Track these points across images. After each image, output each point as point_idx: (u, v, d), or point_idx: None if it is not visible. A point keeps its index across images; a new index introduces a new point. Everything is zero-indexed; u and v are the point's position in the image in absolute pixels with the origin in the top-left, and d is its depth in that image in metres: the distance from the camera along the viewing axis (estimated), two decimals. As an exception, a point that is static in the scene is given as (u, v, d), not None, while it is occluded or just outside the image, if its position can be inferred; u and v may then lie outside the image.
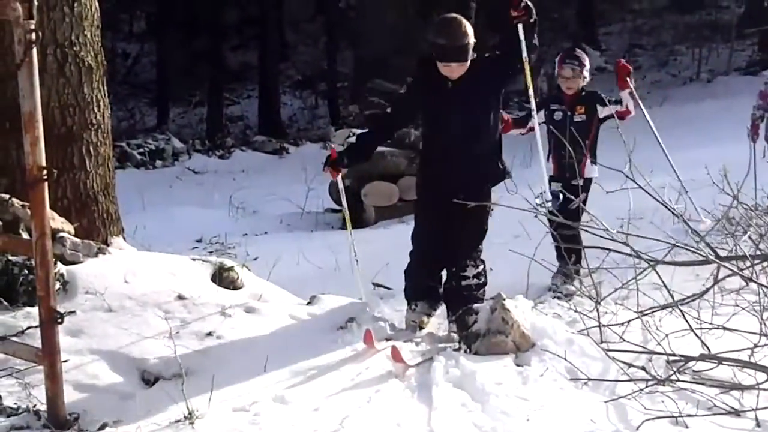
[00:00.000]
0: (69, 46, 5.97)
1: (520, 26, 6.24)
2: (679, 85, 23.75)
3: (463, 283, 6.29)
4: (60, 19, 5.91)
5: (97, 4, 6.18)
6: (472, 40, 6.08)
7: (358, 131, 12.03)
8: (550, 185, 8.22)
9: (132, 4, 26.95)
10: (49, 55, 5.83)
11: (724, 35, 25.60)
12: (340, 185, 6.80)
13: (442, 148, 6.37)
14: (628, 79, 7.97)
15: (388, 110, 6.79)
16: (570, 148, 7.70)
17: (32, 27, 4.10)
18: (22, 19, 4.08)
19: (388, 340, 5.76)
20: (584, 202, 7.67)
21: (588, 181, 7.98)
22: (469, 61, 6.10)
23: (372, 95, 18.87)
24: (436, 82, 6.21)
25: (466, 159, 6.23)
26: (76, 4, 5.97)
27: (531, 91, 6.43)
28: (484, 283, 6.39)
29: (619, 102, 8.06)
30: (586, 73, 8.19)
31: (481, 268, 6.37)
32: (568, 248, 7.90)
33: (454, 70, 6.11)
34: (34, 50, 4.13)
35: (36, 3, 4.16)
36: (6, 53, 5.62)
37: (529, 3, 6.17)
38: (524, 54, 6.31)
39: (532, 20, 6.20)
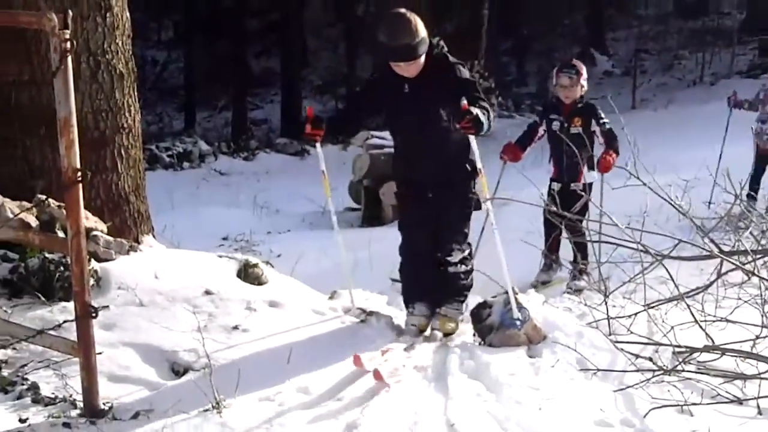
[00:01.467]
0: (101, 54, 5.99)
1: (471, 137, 5.65)
2: (683, 88, 23.76)
3: (450, 269, 5.91)
4: (93, 28, 5.94)
5: (127, 14, 6.21)
6: (419, 37, 5.50)
7: (376, 132, 12.13)
8: (550, 185, 8.39)
9: (160, 13, 27.06)
10: (82, 63, 5.85)
11: (726, 40, 25.64)
12: (319, 149, 6.12)
13: (403, 147, 6.05)
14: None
15: (346, 102, 6.50)
16: (566, 157, 8.09)
17: (67, 36, 4.12)
18: (57, 29, 4.10)
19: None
20: (586, 204, 7.75)
21: (588, 186, 8.08)
22: (418, 59, 5.58)
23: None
24: (393, 83, 5.75)
25: (428, 158, 5.81)
26: (108, 15, 6.00)
27: (488, 201, 5.98)
28: (471, 270, 6.06)
29: (610, 142, 8.12)
30: (583, 82, 8.26)
31: (467, 252, 6.01)
32: (576, 245, 7.99)
33: (403, 69, 5.65)
34: (69, 58, 4.14)
35: (71, 14, 4.18)
36: (42, 61, 5.67)
37: (480, 116, 5.44)
38: (478, 164, 5.76)
39: (482, 133, 5.56)
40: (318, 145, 6.03)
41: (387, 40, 5.53)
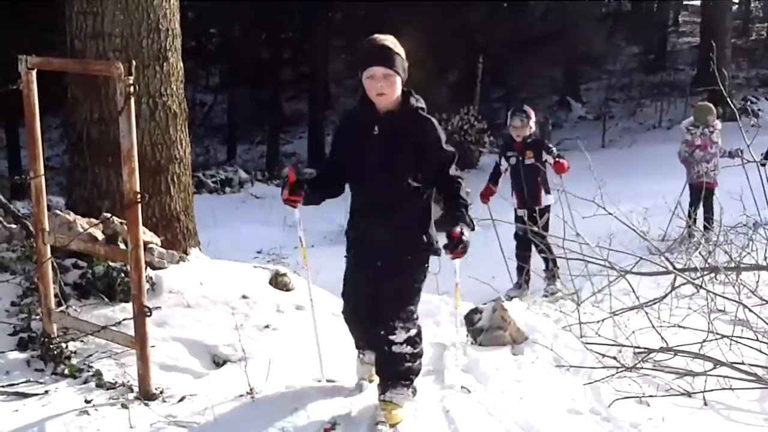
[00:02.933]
0: (159, 97, 6.02)
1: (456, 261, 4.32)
2: (644, 131, 23.78)
3: (394, 349, 4.30)
4: (152, 75, 5.97)
5: (181, 63, 6.23)
6: (401, 53, 4.22)
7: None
8: (516, 212, 8.58)
9: (208, 62, 27.15)
10: (143, 104, 5.88)
11: (681, 91, 25.61)
12: (297, 215, 4.67)
13: (362, 200, 4.43)
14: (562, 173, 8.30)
15: (324, 164, 4.87)
16: (525, 185, 8.44)
17: (130, 82, 4.14)
18: (123, 75, 4.13)
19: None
20: (548, 222, 7.95)
21: (547, 207, 8.29)
22: (394, 76, 4.17)
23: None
24: (363, 124, 4.31)
25: (383, 218, 4.30)
26: (164, 64, 6.03)
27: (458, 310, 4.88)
28: (420, 353, 4.44)
29: (560, 156, 8.38)
30: (532, 124, 8.58)
31: (413, 332, 4.34)
32: (546, 254, 8.16)
33: (377, 80, 4.17)
34: (132, 100, 4.17)
35: (134, 63, 4.21)
36: (110, 102, 5.70)
37: (467, 240, 4.13)
38: (456, 277, 4.51)
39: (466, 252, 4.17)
40: (297, 211, 4.58)
41: (368, 44, 4.24)
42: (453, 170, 4.31)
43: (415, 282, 4.38)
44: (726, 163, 10.45)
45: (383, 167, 4.23)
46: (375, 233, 4.35)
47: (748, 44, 32.95)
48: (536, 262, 8.42)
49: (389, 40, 4.23)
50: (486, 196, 8.86)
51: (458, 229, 4.11)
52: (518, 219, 8.40)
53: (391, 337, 4.29)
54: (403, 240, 4.30)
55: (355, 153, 4.35)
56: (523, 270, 8.40)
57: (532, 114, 8.61)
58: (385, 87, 4.19)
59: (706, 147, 10.63)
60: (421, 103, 4.33)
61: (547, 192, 8.41)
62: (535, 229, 7.25)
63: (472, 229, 4.21)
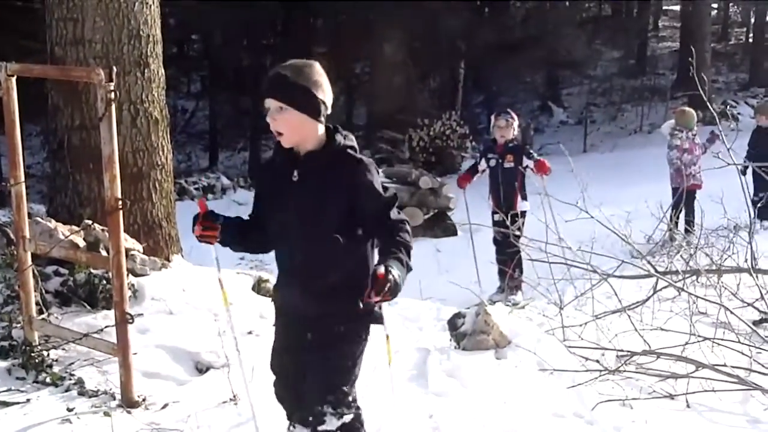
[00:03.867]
0: (140, 103, 6.00)
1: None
2: (625, 136, 23.90)
3: None
4: (133, 82, 5.95)
5: (162, 69, 6.22)
6: (309, 85, 3.35)
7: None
8: (493, 216, 8.67)
9: (190, 69, 27.10)
10: (124, 110, 5.86)
11: (661, 96, 25.77)
12: (215, 254, 3.74)
13: (283, 261, 3.53)
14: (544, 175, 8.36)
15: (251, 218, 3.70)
16: (502, 188, 8.54)
17: (111, 88, 4.13)
18: (104, 82, 4.12)
19: None
20: (521, 227, 8.03)
21: (522, 213, 8.38)
22: (291, 107, 3.36)
23: (381, 143, 19.02)
24: (282, 169, 3.45)
25: (309, 281, 3.37)
26: (146, 70, 6.01)
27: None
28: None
29: (538, 161, 8.50)
30: (515, 125, 8.64)
31: (348, 418, 3.39)
32: (515, 262, 8.22)
33: (271, 116, 3.42)
34: (113, 107, 4.16)
35: (115, 69, 4.20)
36: (90, 109, 5.68)
37: (398, 280, 3.05)
38: (386, 329, 3.41)
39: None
40: (214, 248, 3.67)
41: (272, 72, 3.49)
42: (395, 213, 3.34)
43: (347, 357, 3.42)
44: (709, 165, 10.50)
45: (304, 221, 3.35)
46: (300, 301, 3.44)
47: (727, 49, 33.21)
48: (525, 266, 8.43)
49: (291, 69, 3.39)
50: (463, 180, 9.08)
51: (383, 268, 3.06)
52: (496, 223, 8.46)
53: (321, 428, 3.36)
54: (332, 309, 3.35)
55: (273, 204, 3.50)
56: (505, 274, 8.43)
57: (516, 118, 8.74)
58: (279, 124, 3.40)
59: (692, 150, 10.77)
60: (350, 141, 3.43)
61: (524, 198, 8.51)
62: (517, 233, 7.27)
63: (408, 270, 3.21)
